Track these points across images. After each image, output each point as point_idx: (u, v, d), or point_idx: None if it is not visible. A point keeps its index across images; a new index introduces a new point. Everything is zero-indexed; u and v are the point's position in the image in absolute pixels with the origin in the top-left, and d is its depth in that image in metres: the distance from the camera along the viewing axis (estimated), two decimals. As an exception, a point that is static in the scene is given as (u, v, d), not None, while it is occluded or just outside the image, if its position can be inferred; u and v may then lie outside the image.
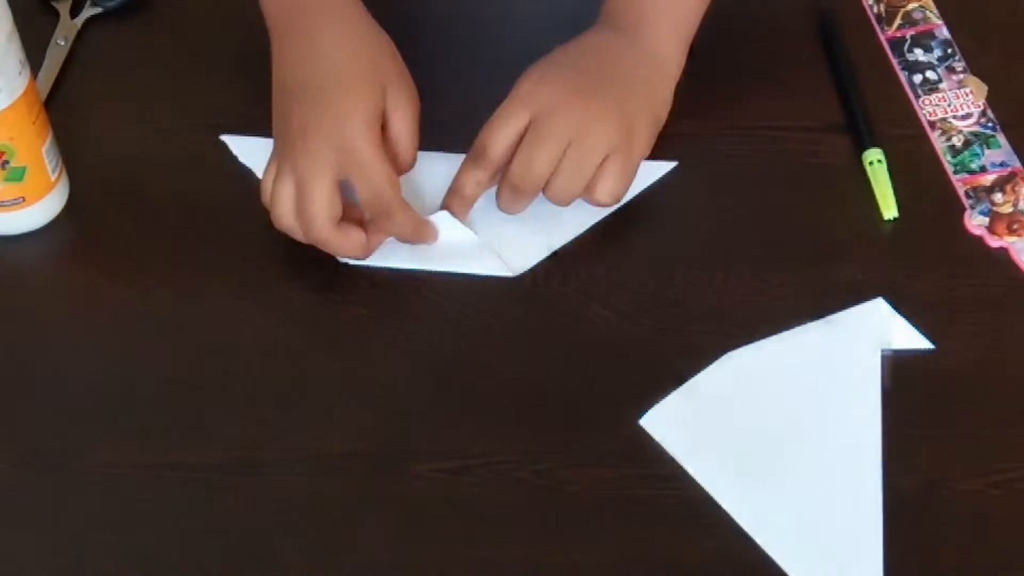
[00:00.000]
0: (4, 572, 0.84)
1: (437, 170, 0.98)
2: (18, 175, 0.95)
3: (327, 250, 0.94)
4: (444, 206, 0.97)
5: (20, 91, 0.92)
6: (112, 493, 0.87)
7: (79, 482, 0.87)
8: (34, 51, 1.01)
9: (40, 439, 0.89)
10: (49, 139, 0.96)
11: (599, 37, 1.00)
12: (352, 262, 0.95)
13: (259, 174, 0.96)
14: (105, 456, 0.88)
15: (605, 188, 0.94)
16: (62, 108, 1.03)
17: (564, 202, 0.95)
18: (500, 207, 0.96)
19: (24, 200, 0.97)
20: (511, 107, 0.95)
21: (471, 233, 0.96)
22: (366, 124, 0.92)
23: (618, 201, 0.96)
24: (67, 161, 0.99)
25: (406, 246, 0.96)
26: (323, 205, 0.91)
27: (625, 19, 1.00)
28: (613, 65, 0.98)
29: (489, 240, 0.96)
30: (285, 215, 0.93)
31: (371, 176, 0.92)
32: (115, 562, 0.84)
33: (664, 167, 1.00)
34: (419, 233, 0.95)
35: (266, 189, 0.94)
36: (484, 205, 0.97)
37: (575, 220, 0.97)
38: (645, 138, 0.97)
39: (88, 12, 1.10)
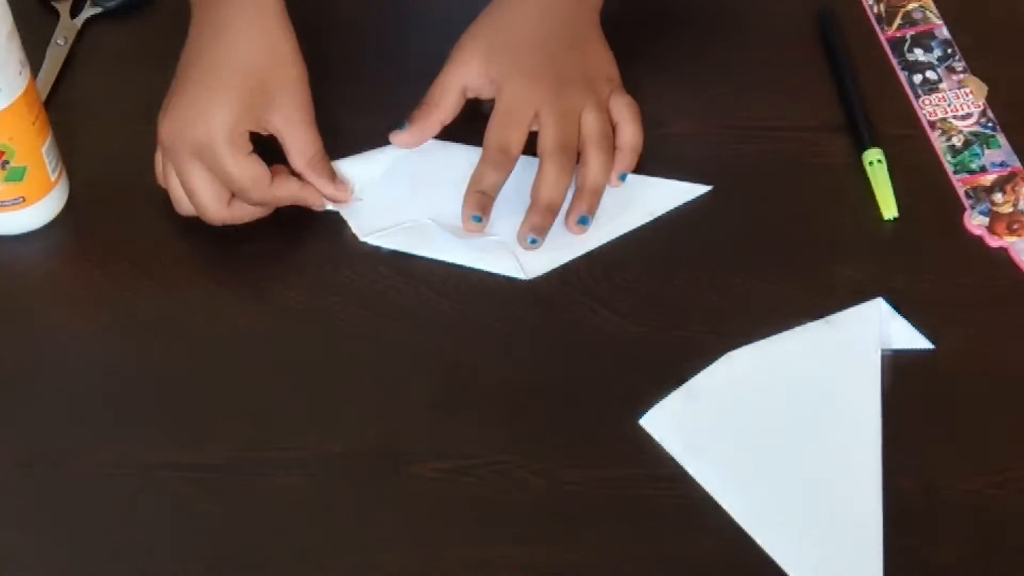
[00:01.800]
0: (4, 572, 0.84)
1: (454, 161, 0.99)
2: (18, 175, 0.95)
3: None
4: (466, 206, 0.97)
5: (20, 91, 0.92)
6: (112, 493, 0.87)
7: (79, 482, 0.87)
8: (34, 51, 1.01)
9: (40, 439, 0.89)
10: (49, 139, 0.96)
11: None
12: (372, 241, 0.97)
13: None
14: (105, 456, 0.88)
15: (629, 127, 0.98)
16: (62, 108, 1.03)
17: (610, 143, 0.97)
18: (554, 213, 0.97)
19: (24, 200, 0.97)
20: (507, 103, 0.97)
21: (494, 227, 0.97)
22: (226, 128, 0.93)
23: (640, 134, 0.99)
24: (67, 161, 0.99)
25: (429, 235, 0.96)
26: (207, 196, 0.95)
27: None
28: (567, 24, 1.00)
29: (510, 240, 0.96)
30: (181, 202, 0.96)
31: (232, 178, 0.94)
32: (115, 562, 0.84)
33: (698, 190, 0.99)
34: (306, 200, 0.97)
35: (158, 174, 0.97)
36: (509, 206, 0.97)
37: (599, 230, 0.97)
38: (609, 58, 1.00)
39: (88, 12, 1.10)
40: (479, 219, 0.96)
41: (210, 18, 0.97)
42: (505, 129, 0.97)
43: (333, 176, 0.97)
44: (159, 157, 0.97)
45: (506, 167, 0.96)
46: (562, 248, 0.96)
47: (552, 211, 0.96)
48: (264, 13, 0.96)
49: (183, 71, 0.96)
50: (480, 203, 0.96)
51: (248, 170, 0.94)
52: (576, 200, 0.96)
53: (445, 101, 0.99)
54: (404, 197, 0.99)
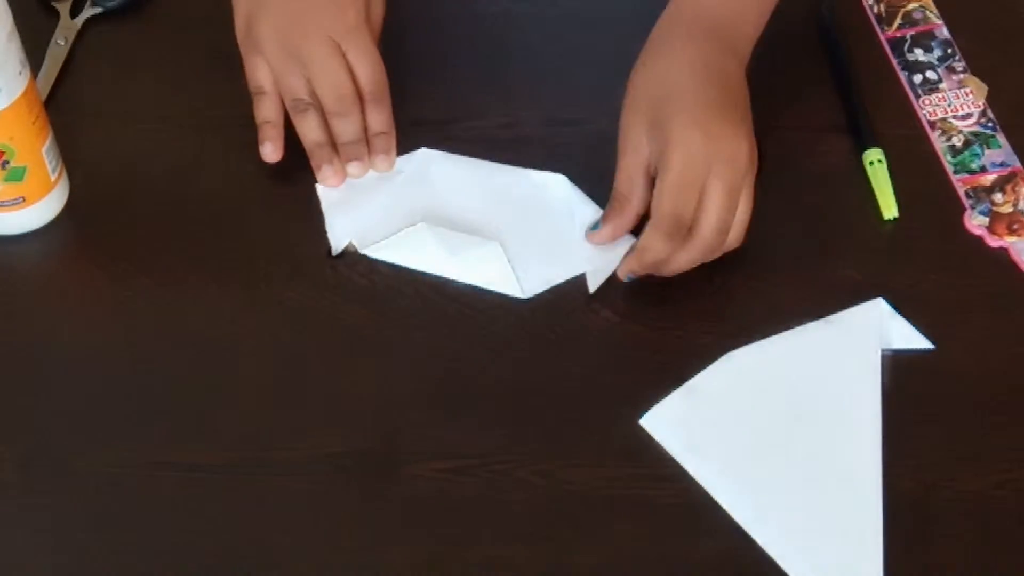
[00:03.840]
0: (5, 572, 0.84)
1: (452, 172, 0.99)
2: (18, 175, 0.95)
3: (341, 131, 0.99)
4: (626, 268, 0.94)
5: (20, 91, 0.92)
6: (112, 493, 0.87)
7: (79, 482, 0.87)
8: (34, 51, 1.01)
9: (41, 439, 0.89)
10: (49, 139, 0.96)
11: (698, 51, 0.95)
12: (372, 255, 0.96)
13: (329, 215, 0.98)
14: (105, 456, 0.88)
15: (739, 221, 0.93)
16: (62, 108, 1.03)
17: (732, 245, 0.93)
18: (670, 270, 0.93)
19: (24, 200, 0.97)
20: (686, 163, 0.91)
21: (496, 245, 0.96)
22: (360, 15, 0.98)
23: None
24: (67, 161, 0.99)
25: (428, 248, 0.96)
26: (344, 76, 0.98)
27: (708, 21, 0.96)
28: (731, 82, 0.95)
29: (508, 256, 0.96)
30: (301, 96, 0.98)
31: (371, 59, 0.98)
32: (115, 562, 0.84)
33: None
34: (390, 127, 1.00)
35: (264, 81, 0.99)
36: (521, 218, 0.97)
37: (602, 254, 0.96)
38: (753, 150, 0.94)
39: (88, 12, 1.10)
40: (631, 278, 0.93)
41: None
42: (679, 198, 0.91)
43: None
44: (260, 70, 0.99)
45: (680, 238, 0.91)
46: (561, 267, 0.96)
47: (653, 270, 0.93)
48: None
49: None
50: (642, 270, 0.93)
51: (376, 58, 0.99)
52: (631, 260, 0.93)
53: (635, 194, 0.93)
54: (402, 208, 0.98)
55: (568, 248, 0.96)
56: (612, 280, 0.95)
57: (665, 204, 0.91)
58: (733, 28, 0.97)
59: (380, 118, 0.99)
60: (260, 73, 0.99)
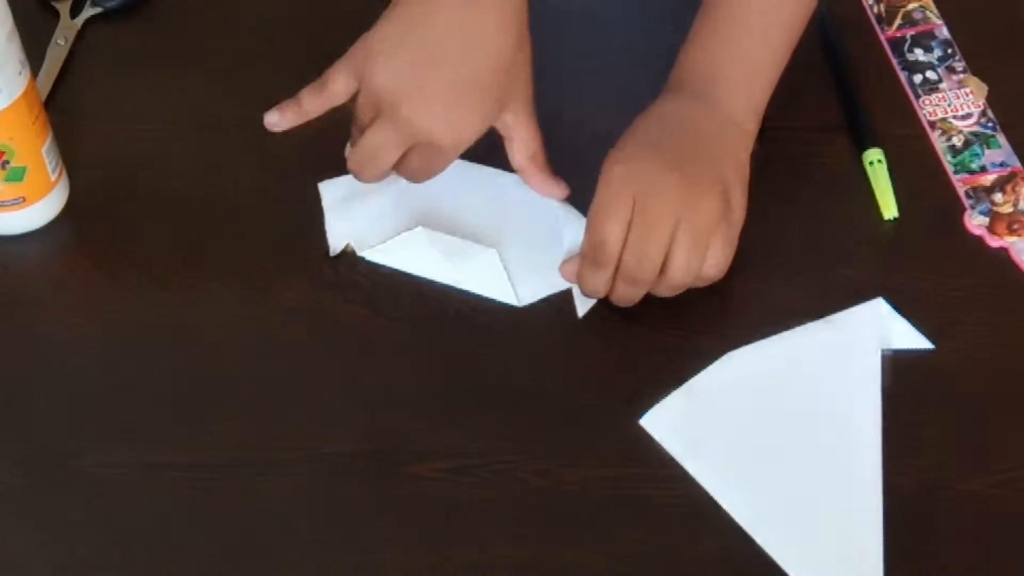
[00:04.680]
0: (5, 572, 0.84)
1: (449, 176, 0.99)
2: (18, 175, 0.95)
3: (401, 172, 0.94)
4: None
5: (20, 91, 0.92)
6: (112, 493, 0.87)
7: (79, 482, 0.87)
8: (34, 51, 1.01)
9: (40, 439, 0.89)
10: (49, 139, 0.96)
11: (674, 105, 0.95)
12: (369, 258, 0.96)
13: (329, 216, 0.97)
14: (105, 456, 0.88)
15: (713, 260, 0.91)
16: (62, 108, 1.03)
17: (680, 286, 0.91)
18: (614, 299, 0.92)
19: (24, 200, 0.97)
20: (611, 194, 0.89)
21: (493, 252, 0.96)
22: (467, 139, 0.91)
23: (723, 273, 0.92)
24: (67, 161, 0.99)
25: (425, 253, 0.95)
26: (384, 165, 0.92)
27: (698, 83, 0.95)
28: (697, 133, 0.93)
29: (506, 263, 0.96)
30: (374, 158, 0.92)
31: (435, 168, 0.93)
32: (115, 562, 0.84)
33: None
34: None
35: (342, 90, 0.92)
36: (518, 227, 0.97)
37: None
38: (742, 203, 0.93)
39: (88, 12, 1.10)
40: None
41: None
42: (605, 223, 0.89)
43: (551, 171, 0.95)
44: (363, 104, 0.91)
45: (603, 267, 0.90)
46: (557, 278, 0.94)
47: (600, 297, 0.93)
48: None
49: (416, 39, 0.90)
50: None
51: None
52: (619, 283, 0.91)
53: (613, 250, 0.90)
54: (401, 211, 0.98)
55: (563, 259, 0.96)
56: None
57: (592, 229, 0.89)
58: (720, 87, 0.95)
59: None
60: (342, 81, 0.92)
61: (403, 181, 0.97)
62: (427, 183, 0.96)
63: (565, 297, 0.95)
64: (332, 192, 0.99)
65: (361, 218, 0.98)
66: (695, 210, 0.89)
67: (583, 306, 0.94)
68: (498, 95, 0.92)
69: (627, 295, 0.91)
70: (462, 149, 0.92)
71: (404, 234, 0.96)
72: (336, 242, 0.97)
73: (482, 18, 0.90)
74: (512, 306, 0.94)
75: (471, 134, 0.91)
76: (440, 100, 0.90)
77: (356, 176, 0.94)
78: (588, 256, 0.90)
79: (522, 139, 0.94)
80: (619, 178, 0.90)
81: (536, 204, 0.98)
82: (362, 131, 0.92)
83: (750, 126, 0.96)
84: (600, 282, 0.91)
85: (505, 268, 0.95)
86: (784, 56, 0.98)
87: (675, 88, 0.96)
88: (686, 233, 0.89)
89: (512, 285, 0.95)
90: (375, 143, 0.91)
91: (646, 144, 0.92)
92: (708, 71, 0.96)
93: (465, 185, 0.99)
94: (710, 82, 0.95)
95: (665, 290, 0.91)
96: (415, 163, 0.92)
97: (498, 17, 0.91)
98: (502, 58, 0.91)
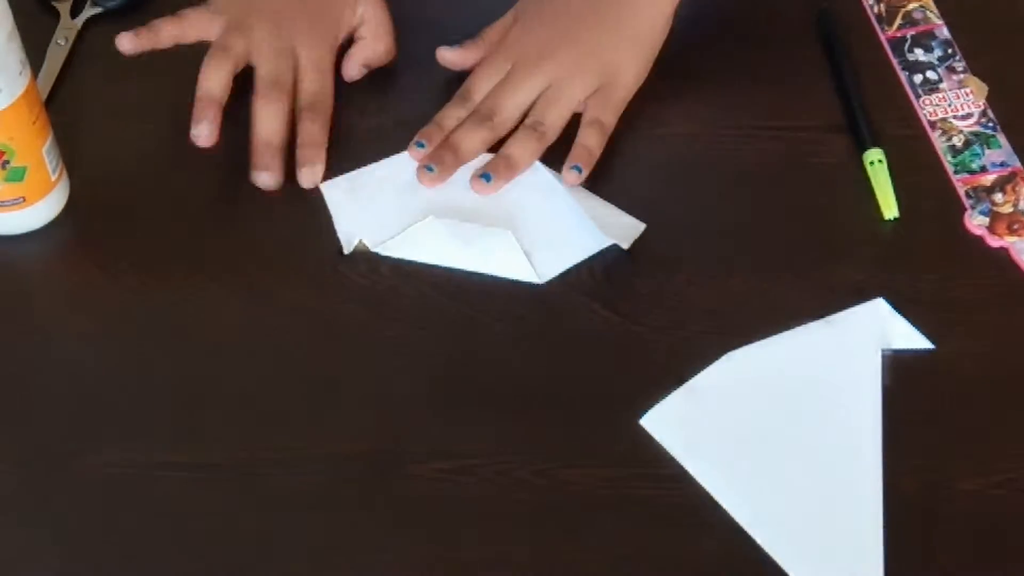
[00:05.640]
0: (5, 572, 0.84)
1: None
2: (18, 175, 0.95)
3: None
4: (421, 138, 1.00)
5: (20, 91, 0.92)
6: (112, 493, 0.87)
7: (79, 482, 0.87)
8: (34, 51, 1.01)
9: (40, 439, 0.89)
10: (49, 139, 0.96)
11: None
12: (384, 252, 0.96)
13: (337, 215, 0.99)
14: (105, 456, 0.88)
15: (588, 116, 0.99)
16: (62, 108, 1.03)
17: (547, 135, 0.99)
18: (459, 136, 0.99)
19: (24, 200, 0.97)
20: (496, 56, 1.01)
21: (508, 233, 0.96)
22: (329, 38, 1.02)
23: (605, 130, 1.00)
24: (67, 161, 0.99)
25: (440, 241, 0.96)
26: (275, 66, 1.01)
27: None
28: None
29: (522, 242, 0.96)
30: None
31: (321, 80, 1.01)
32: (115, 562, 0.84)
33: (633, 228, 0.98)
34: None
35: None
36: (523, 206, 0.98)
37: (611, 228, 0.96)
38: (633, 68, 1.02)
39: (88, 12, 1.10)
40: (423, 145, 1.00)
41: None
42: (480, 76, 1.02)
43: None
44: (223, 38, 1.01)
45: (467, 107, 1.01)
46: (572, 248, 0.96)
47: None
48: None
49: None
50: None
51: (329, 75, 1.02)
52: (470, 117, 1.00)
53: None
54: (410, 204, 0.99)
55: (576, 229, 0.97)
56: (612, 280, 0.95)
57: (468, 79, 1.02)
58: None
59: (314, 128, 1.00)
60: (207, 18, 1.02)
61: (406, 174, 0.98)
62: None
63: (565, 298, 0.95)
64: (335, 191, 0.99)
65: (370, 214, 0.98)
66: (564, 82, 1.00)
67: (628, 239, 0.96)
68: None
69: (471, 131, 0.99)
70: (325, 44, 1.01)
71: (417, 225, 0.97)
72: (348, 240, 0.97)
73: None
74: (512, 307, 0.94)
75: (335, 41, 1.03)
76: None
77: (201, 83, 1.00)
78: (456, 96, 1.01)
79: (379, 22, 1.04)
80: (509, 43, 1.02)
81: (538, 181, 0.98)
82: (224, 48, 1.00)
83: None
84: (453, 117, 1.00)
85: (522, 248, 0.96)
86: None
87: None
88: (547, 96, 1.00)
89: (531, 263, 0.95)
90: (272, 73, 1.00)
91: (539, 11, 1.03)
92: None
93: (467, 172, 0.99)
94: None
95: (526, 136, 0.99)
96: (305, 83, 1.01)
97: None
98: None
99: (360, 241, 0.97)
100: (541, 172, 1.00)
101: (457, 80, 1.03)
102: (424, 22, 1.08)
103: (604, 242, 0.96)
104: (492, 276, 0.95)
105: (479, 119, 1.00)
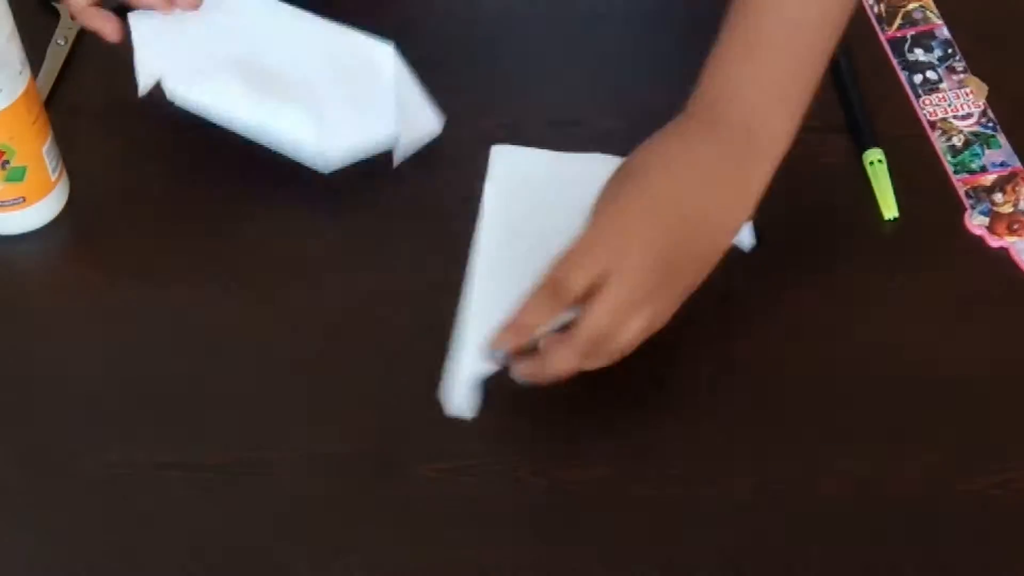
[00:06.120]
0: (5, 572, 0.84)
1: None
2: (18, 175, 0.95)
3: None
4: (502, 334, 0.84)
5: (20, 91, 0.92)
6: (112, 493, 0.87)
7: (79, 482, 0.87)
8: (34, 51, 1.01)
9: (40, 439, 0.89)
10: (49, 139, 0.96)
11: (680, 140, 0.87)
12: (180, 95, 0.96)
13: (140, 51, 0.97)
14: (105, 456, 0.88)
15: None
16: (62, 108, 1.03)
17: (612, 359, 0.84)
18: (527, 372, 0.85)
19: (24, 200, 0.97)
20: (591, 248, 0.83)
21: (304, 104, 0.95)
22: None
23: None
24: (67, 161, 0.99)
25: (235, 93, 0.95)
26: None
27: (712, 94, 0.88)
28: (704, 186, 0.85)
29: (319, 116, 0.95)
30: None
31: None
32: (115, 562, 0.84)
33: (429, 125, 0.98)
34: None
35: None
36: (324, 79, 0.96)
37: (410, 121, 0.97)
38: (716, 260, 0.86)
39: (88, 12, 1.10)
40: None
41: None
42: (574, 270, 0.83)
43: None
44: None
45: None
46: (368, 136, 0.96)
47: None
48: None
49: None
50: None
51: None
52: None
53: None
54: (216, 50, 0.97)
55: (378, 119, 0.96)
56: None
57: (559, 267, 0.83)
58: (739, 99, 0.86)
59: None
60: None
61: (221, 17, 0.96)
62: (245, 22, 0.96)
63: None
64: (143, 25, 0.96)
65: (173, 54, 0.96)
66: (658, 297, 0.84)
67: (399, 156, 0.95)
68: None
69: (558, 363, 0.83)
70: None
71: (216, 73, 0.95)
72: (146, 80, 0.95)
73: None
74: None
75: None
76: None
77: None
78: (546, 287, 0.83)
79: None
80: (605, 238, 0.83)
81: (356, 59, 0.97)
82: None
83: (777, 142, 0.88)
84: (546, 318, 0.83)
85: (316, 121, 0.95)
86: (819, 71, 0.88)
87: (692, 113, 0.88)
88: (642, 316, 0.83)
89: (319, 140, 0.95)
90: None
91: (641, 210, 0.84)
92: (728, 80, 0.88)
93: (284, 28, 0.97)
94: (729, 91, 0.88)
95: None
96: None
97: None
98: None
99: (158, 82, 0.95)
100: (388, 60, 0.97)
101: (463, 84, 1.03)
102: (428, 22, 1.08)
103: (392, 140, 0.96)
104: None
105: (587, 356, 0.83)
